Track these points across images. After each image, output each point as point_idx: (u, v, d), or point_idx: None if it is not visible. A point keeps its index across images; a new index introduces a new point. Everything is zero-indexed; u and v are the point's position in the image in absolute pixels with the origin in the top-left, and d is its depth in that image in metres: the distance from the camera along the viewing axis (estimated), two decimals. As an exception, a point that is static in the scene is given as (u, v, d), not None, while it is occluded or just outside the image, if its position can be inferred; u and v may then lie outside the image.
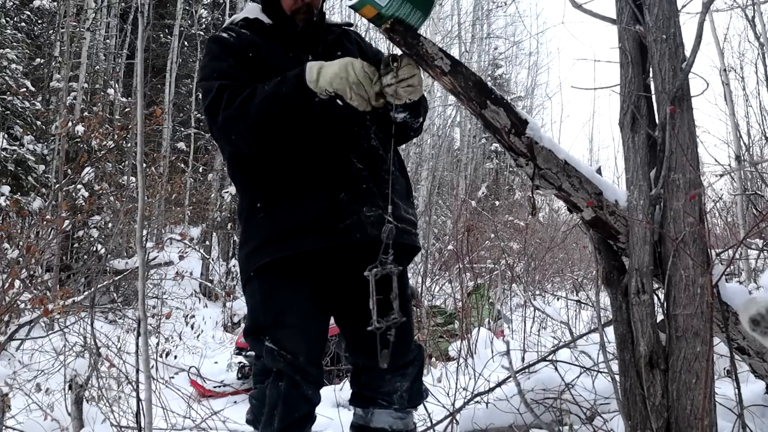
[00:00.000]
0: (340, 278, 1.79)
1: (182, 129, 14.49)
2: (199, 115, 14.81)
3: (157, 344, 5.97)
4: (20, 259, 5.22)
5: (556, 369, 2.80)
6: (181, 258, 8.55)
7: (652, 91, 1.87)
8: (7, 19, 10.79)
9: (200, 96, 1.84)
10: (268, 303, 1.77)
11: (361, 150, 1.79)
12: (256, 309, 1.81)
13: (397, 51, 1.68)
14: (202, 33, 15.19)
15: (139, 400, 2.54)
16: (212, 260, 11.64)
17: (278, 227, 1.73)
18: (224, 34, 1.83)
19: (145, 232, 4.93)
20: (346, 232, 1.71)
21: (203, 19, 15.91)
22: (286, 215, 1.72)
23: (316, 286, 1.76)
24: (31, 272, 5.87)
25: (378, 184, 1.78)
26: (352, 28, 2.05)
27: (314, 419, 1.79)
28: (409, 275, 2.09)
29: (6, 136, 9.22)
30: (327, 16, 2.01)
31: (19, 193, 8.75)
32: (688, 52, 1.81)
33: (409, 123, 1.83)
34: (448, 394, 3.04)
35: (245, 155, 1.79)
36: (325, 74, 1.59)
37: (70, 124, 8.59)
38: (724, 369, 2.64)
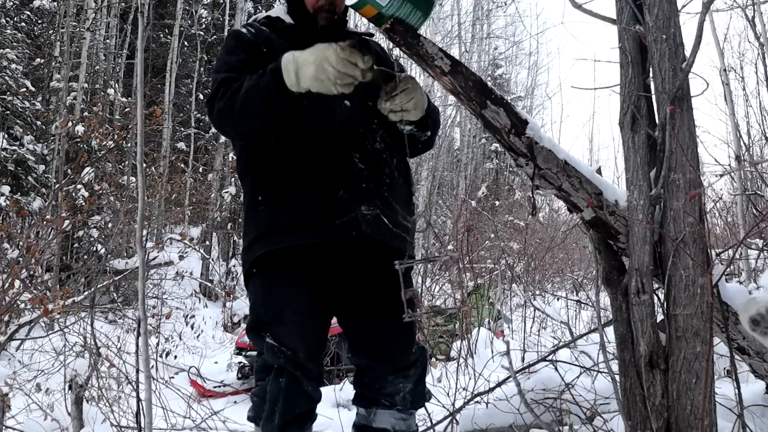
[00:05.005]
0: (340, 276, 1.80)
1: (182, 129, 14.48)
2: (200, 115, 14.82)
3: (157, 344, 5.98)
4: (20, 259, 5.22)
5: (556, 369, 2.80)
6: (181, 258, 8.56)
7: (652, 91, 1.87)
8: (7, 19, 10.80)
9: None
10: (269, 299, 1.78)
11: (365, 151, 1.80)
12: (257, 305, 1.82)
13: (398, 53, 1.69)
14: (202, 33, 15.19)
15: (139, 400, 2.54)
16: (212, 260, 11.65)
17: (275, 221, 1.75)
18: (243, 30, 1.88)
19: (145, 232, 4.93)
20: (342, 228, 1.72)
21: (203, 19, 15.89)
22: (284, 209, 1.74)
23: (316, 284, 1.77)
24: (31, 272, 5.87)
25: (378, 186, 1.79)
26: (373, 39, 2.05)
27: (315, 417, 1.79)
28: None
29: (6, 136, 9.22)
30: (351, 25, 2.03)
31: (19, 193, 8.76)
32: (688, 52, 1.81)
33: (417, 136, 1.86)
34: (448, 394, 3.04)
35: (254, 150, 1.82)
36: (304, 77, 1.59)
37: (70, 124, 8.60)
38: (724, 369, 2.64)
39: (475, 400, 2.82)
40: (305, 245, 1.73)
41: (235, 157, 2.02)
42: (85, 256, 9.02)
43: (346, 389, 3.65)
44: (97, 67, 12.26)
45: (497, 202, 16.37)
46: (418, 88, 1.70)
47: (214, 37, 15.59)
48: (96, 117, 8.99)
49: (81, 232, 8.99)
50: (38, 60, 11.29)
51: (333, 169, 1.75)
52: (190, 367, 5.13)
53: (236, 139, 1.79)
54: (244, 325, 8.90)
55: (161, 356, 5.78)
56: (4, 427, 3.10)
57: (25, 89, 9.74)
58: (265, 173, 1.80)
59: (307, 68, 1.57)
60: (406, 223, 1.85)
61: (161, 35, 14.95)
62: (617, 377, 1.94)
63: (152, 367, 3.86)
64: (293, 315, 1.74)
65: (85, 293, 6.24)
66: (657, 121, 1.85)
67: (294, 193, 1.75)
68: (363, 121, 1.82)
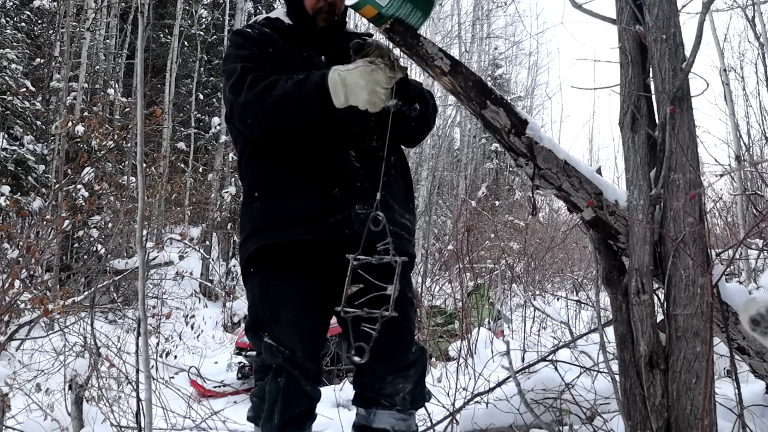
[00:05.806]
0: (338, 275, 1.80)
1: (182, 129, 14.48)
2: (200, 115, 14.81)
3: (157, 344, 5.98)
4: (20, 259, 5.23)
5: (556, 369, 2.80)
6: (181, 258, 8.56)
7: (652, 91, 1.87)
8: (7, 19, 10.80)
9: (223, 80, 1.91)
10: (266, 298, 1.79)
11: (361, 149, 1.81)
12: (255, 305, 1.83)
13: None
14: (202, 33, 15.19)
15: (139, 400, 2.55)
16: (212, 260, 11.65)
17: (270, 217, 1.76)
18: (247, 29, 1.90)
19: (145, 232, 4.93)
20: (336, 226, 1.73)
21: (203, 19, 15.89)
22: (279, 206, 1.76)
23: (313, 283, 1.77)
24: (31, 272, 5.88)
25: (373, 184, 1.78)
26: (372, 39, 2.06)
27: (315, 417, 1.79)
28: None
29: (6, 136, 9.22)
30: (350, 26, 2.04)
31: (19, 193, 8.76)
32: (688, 52, 1.81)
33: (406, 112, 1.82)
34: (448, 394, 3.04)
35: (254, 148, 1.83)
36: (357, 101, 1.62)
37: (70, 124, 8.60)
38: (724, 369, 2.65)
39: (475, 400, 2.82)
40: (300, 243, 1.74)
41: (235, 157, 2.03)
42: (85, 256, 9.01)
43: (346, 389, 3.65)
44: (97, 67, 12.25)
45: (497, 202, 16.37)
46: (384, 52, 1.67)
47: (214, 37, 15.59)
48: (96, 117, 8.99)
49: (81, 232, 8.99)
50: (38, 60, 11.29)
51: (328, 167, 1.76)
52: (190, 367, 5.13)
53: (254, 132, 1.77)
54: (244, 325, 8.87)
55: (161, 356, 5.78)
56: (4, 427, 3.10)
57: (25, 89, 9.74)
58: (262, 170, 1.81)
59: (360, 93, 1.60)
60: (403, 221, 1.85)
61: (161, 35, 14.94)
62: (617, 377, 1.94)
63: (152, 367, 3.85)
64: (290, 314, 1.74)
65: (85, 293, 6.24)
66: (657, 121, 1.85)
67: (289, 190, 1.76)
68: (359, 119, 1.82)
